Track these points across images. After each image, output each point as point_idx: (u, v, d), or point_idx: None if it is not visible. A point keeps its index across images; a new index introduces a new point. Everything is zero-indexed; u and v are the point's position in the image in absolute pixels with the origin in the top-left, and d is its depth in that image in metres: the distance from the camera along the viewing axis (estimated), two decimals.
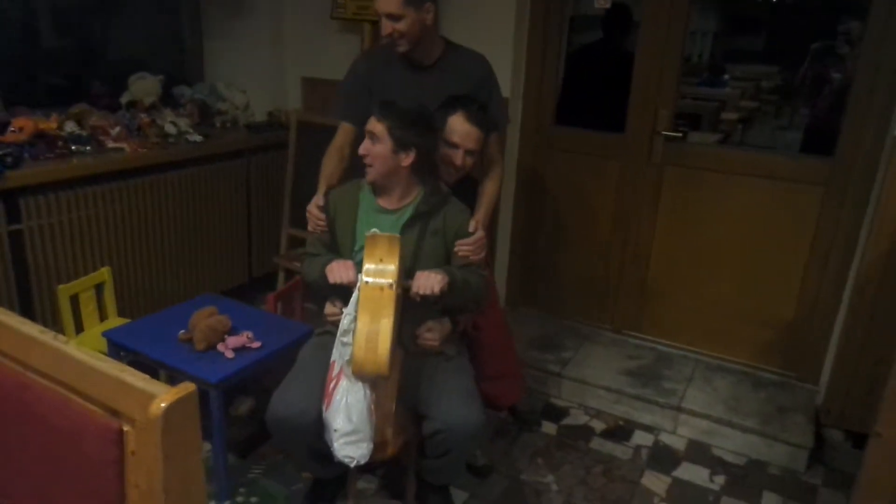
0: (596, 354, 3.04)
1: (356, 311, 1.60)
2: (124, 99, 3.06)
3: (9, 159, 2.33)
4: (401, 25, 2.05)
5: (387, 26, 2.06)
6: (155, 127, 2.93)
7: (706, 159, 2.86)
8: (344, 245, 1.94)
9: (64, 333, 2.53)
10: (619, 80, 2.94)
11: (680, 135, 2.85)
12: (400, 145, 1.81)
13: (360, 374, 1.60)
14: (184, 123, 3.05)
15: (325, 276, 1.81)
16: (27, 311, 2.49)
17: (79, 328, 2.57)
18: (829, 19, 4.81)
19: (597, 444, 2.64)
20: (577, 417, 2.81)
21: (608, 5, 2.89)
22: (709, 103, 6.78)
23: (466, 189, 2.17)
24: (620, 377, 2.86)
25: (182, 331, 2.22)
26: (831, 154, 2.63)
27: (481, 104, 2.08)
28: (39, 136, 2.53)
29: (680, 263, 2.99)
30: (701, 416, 2.64)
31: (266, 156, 3.34)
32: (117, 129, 2.71)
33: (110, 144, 2.71)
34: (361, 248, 1.84)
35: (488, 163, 2.25)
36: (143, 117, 2.94)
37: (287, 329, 2.34)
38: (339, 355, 1.66)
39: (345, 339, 1.64)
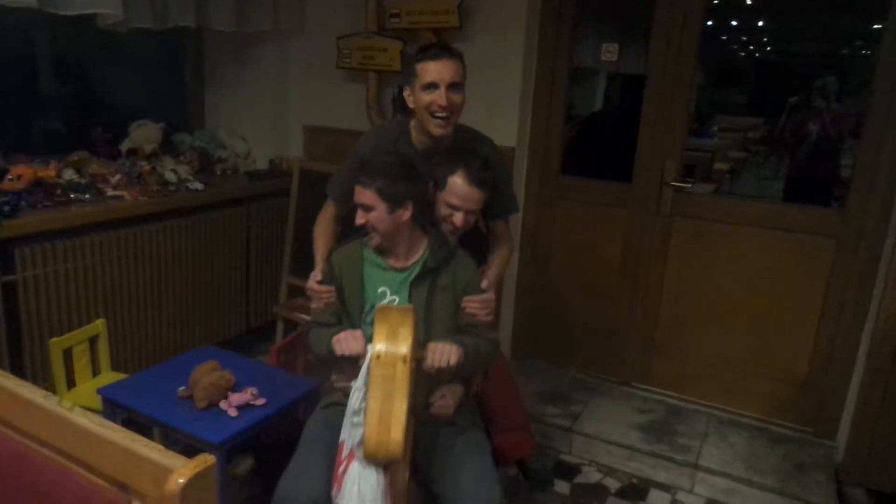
0: (606, 408, 2.95)
1: (366, 387, 1.50)
2: (125, 146, 3.02)
3: (6, 208, 2.26)
4: (458, 99, 1.88)
5: (447, 97, 1.84)
6: (155, 175, 2.88)
7: (716, 210, 2.84)
8: (353, 309, 1.84)
9: (55, 389, 2.41)
10: (624, 132, 2.95)
11: (689, 185, 2.84)
12: (395, 203, 1.73)
13: (372, 459, 1.49)
14: (184, 171, 3.01)
15: (332, 350, 1.69)
16: (17, 365, 2.38)
17: (71, 383, 2.45)
18: (808, 74, 5.02)
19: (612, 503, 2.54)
20: (590, 475, 2.70)
21: (615, 58, 2.92)
22: (701, 154, 6.86)
23: (471, 241, 2.08)
24: (633, 432, 2.77)
25: (182, 387, 2.12)
26: (819, 204, 2.62)
27: (484, 160, 1.93)
28: (37, 184, 2.47)
29: (690, 315, 2.94)
30: (719, 474, 2.55)
31: (266, 203, 3.28)
32: (117, 176, 2.66)
33: (110, 192, 2.64)
34: (372, 309, 1.76)
35: (497, 240, 2.16)
36: (144, 165, 2.89)
37: (292, 385, 2.24)
38: (348, 435, 1.55)
39: (355, 420, 1.53)
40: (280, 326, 3.26)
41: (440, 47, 1.92)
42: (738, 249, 2.79)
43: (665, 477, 2.65)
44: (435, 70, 1.85)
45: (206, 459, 0.98)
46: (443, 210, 1.94)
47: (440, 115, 1.87)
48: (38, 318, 2.40)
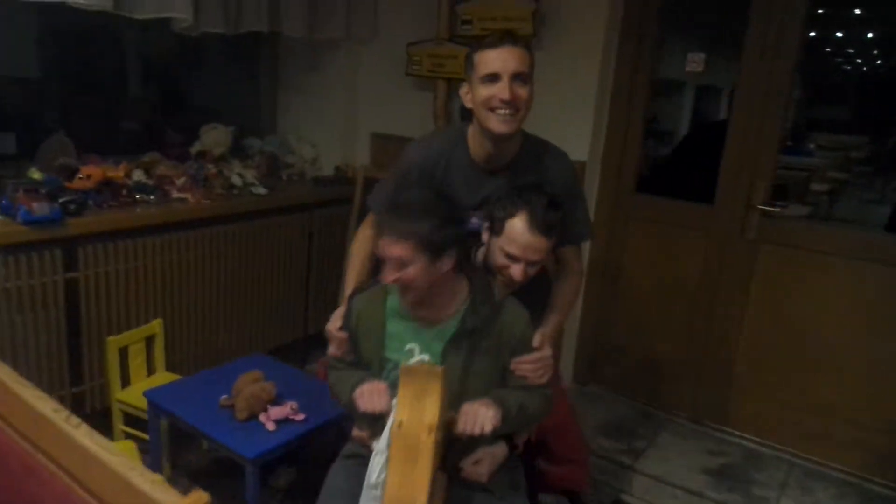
0: (673, 447, 2.72)
1: (387, 456, 1.34)
2: (195, 149, 3.05)
3: (72, 206, 2.30)
4: (524, 91, 1.58)
5: (511, 90, 1.55)
6: (221, 178, 2.89)
7: (809, 237, 2.57)
8: (371, 365, 1.57)
9: (109, 386, 2.44)
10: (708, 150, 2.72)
11: (778, 209, 2.58)
12: (437, 253, 1.41)
13: None
14: (250, 175, 3.01)
15: (353, 401, 1.49)
16: (76, 361, 2.42)
17: (126, 381, 2.48)
18: None
19: None
20: None
21: (700, 69, 2.70)
22: (796, 173, 6.37)
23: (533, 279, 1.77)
24: (702, 477, 2.53)
25: (224, 395, 2.08)
26: None
27: (551, 199, 1.60)
28: (106, 183, 2.51)
29: (774, 352, 2.67)
30: None
31: (330, 210, 3.25)
32: (182, 179, 2.68)
33: (175, 194, 2.66)
34: (395, 366, 1.51)
35: (564, 267, 1.83)
36: (211, 168, 2.91)
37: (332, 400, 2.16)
38: None
39: (375, 493, 1.39)
40: None
41: (502, 34, 1.62)
42: (834, 282, 2.51)
43: None
44: (496, 58, 1.56)
45: (200, 498, 0.90)
46: (499, 259, 1.62)
47: (503, 110, 1.57)
48: (97, 316, 2.44)
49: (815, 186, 6.49)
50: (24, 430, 1.13)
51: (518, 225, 1.57)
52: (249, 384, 2.04)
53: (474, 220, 1.73)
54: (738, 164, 2.63)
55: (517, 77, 1.56)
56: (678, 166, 3.16)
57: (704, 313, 2.79)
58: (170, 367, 2.63)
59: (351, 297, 1.66)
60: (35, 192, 2.23)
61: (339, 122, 3.45)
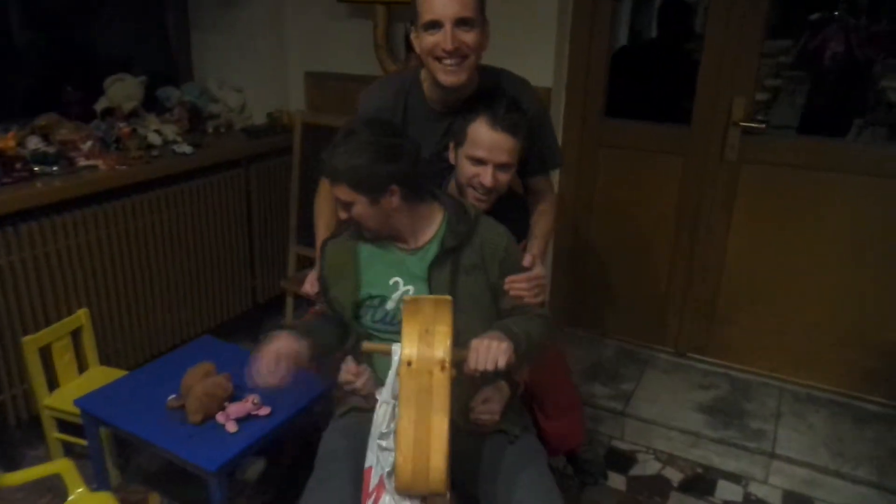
0: (661, 385, 2.60)
1: (396, 401, 1.16)
2: (100, 105, 2.62)
3: None
4: (470, 37, 1.48)
5: (453, 38, 1.45)
6: (136, 137, 2.49)
7: (797, 155, 2.39)
8: (344, 310, 1.51)
9: (34, 391, 2.12)
10: (678, 72, 2.49)
11: (762, 126, 2.39)
12: (376, 192, 1.39)
13: (407, 493, 1.16)
14: (171, 132, 2.62)
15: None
16: None
17: (54, 384, 2.16)
18: None
19: (676, 500, 2.21)
20: (648, 465, 2.37)
21: None
22: None
23: (509, 209, 1.69)
24: (695, 415, 2.43)
25: (172, 395, 1.79)
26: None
27: (511, 100, 1.55)
28: None
29: (759, 278, 2.54)
30: (799, 463, 2.21)
31: (267, 164, 2.89)
32: (89, 142, 2.27)
33: (81, 162, 2.27)
34: (381, 300, 1.47)
35: (537, 197, 1.79)
36: (122, 127, 2.50)
37: (302, 383, 1.89)
38: (376, 461, 1.22)
39: (383, 443, 1.21)
40: (290, 302, 2.92)
41: None
42: (824, 201, 2.37)
43: (734, 465, 2.32)
44: (436, 4, 1.45)
45: None
46: (467, 169, 1.56)
47: (448, 60, 1.48)
48: (7, 314, 2.08)
49: (759, 96, 6.41)
50: None
51: (480, 126, 1.52)
52: (200, 380, 1.76)
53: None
54: (717, 80, 2.40)
55: (461, 23, 1.46)
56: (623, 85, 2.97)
57: (686, 241, 2.62)
58: (104, 361, 2.32)
59: (322, 247, 1.58)
60: None
61: (266, 61, 3.04)
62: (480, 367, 1.25)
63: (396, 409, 1.17)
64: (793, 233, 2.44)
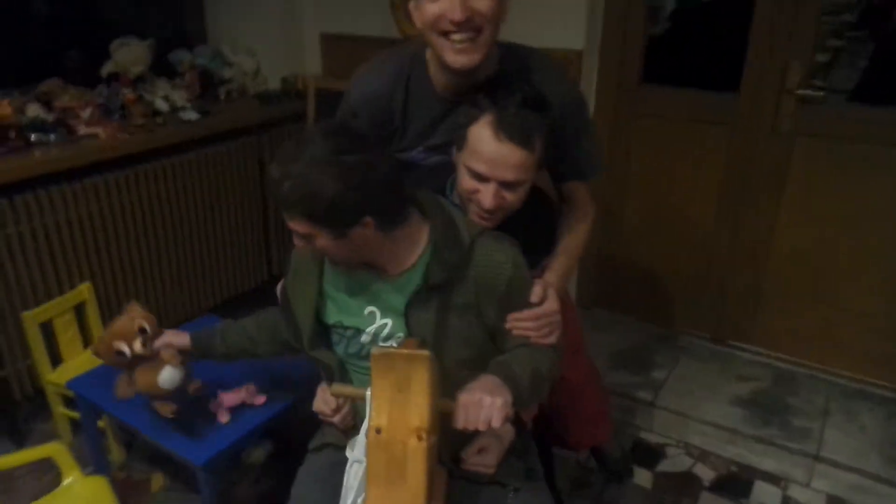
0: (696, 375, 2.42)
1: (366, 467, 1.00)
2: (106, 70, 2.50)
3: None
4: (484, 4, 1.15)
5: (462, 4, 1.13)
6: (141, 104, 2.37)
7: (858, 127, 2.14)
8: (301, 333, 1.27)
9: (38, 368, 2.06)
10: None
11: (820, 93, 2.14)
12: (342, 226, 1.08)
13: None
14: (179, 98, 2.49)
15: None
16: None
17: (58, 360, 2.09)
18: None
19: (707, 501, 2.05)
20: (677, 461, 2.20)
21: None
22: None
23: (533, 217, 1.36)
24: (733, 409, 2.25)
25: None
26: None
27: (530, 94, 1.18)
28: None
29: (810, 263, 2.32)
30: (846, 468, 2.02)
31: (282, 131, 2.76)
32: (88, 110, 2.16)
33: (82, 130, 2.16)
34: (356, 332, 1.22)
35: (571, 203, 1.44)
36: (128, 93, 2.38)
37: (302, 368, 1.78)
38: None
39: None
40: None
41: None
42: (885, 179, 2.12)
43: (773, 465, 2.13)
44: None
45: None
46: (466, 182, 1.21)
47: (457, 35, 1.17)
48: (5, 289, 2.01)
49: (819, 58, 5.99)
50: None
51: (482, 131, 1.16)
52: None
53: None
54: (769, 40, 2.15)
55: None
56: (673, 48, 2.67)
57: (730, 220, 2.40)
58: None
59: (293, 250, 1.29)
60: None
61: (279, 23, 2.89)
62: (470, 427, 1.02)
63: (365, 476, 1.00)
64: (850, 214, 2.21)
